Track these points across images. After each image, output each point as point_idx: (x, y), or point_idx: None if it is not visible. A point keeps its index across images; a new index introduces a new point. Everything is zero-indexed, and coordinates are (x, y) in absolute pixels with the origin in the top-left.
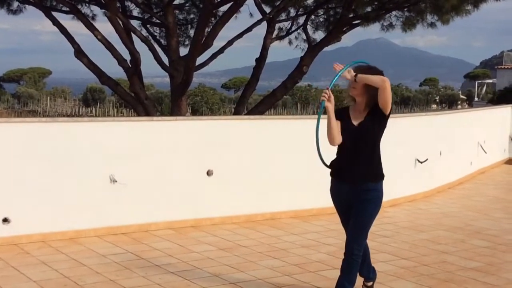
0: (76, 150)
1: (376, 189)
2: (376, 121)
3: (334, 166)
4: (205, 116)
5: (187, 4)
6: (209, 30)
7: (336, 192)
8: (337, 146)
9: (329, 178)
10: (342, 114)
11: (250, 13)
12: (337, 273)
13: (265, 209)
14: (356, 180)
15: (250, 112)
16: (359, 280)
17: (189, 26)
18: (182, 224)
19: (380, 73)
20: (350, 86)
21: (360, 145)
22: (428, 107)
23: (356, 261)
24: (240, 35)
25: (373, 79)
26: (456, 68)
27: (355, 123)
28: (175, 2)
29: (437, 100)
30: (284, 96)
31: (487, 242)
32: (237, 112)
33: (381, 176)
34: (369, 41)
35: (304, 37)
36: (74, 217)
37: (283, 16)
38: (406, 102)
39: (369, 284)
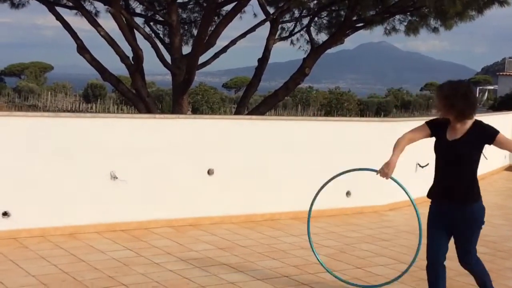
0: (77, 145)
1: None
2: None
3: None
4: (207, 115)
5: (190, 3)
6: (212, 29)
7: None
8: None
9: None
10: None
11: (254, 14)
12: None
13: (264, 209)
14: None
15: (251, 113)
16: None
17: (192, 24)
18: (181, 223)
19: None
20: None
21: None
22: (428, 112)
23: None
24: (243, 35)
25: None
26: (458, 73)
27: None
28: (178, 1)
29: None
30: (285, 98)
31: (486, 248)
32: (238, 112)
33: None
34: (371, 45)
35: (307, 39)
36: (74, 213)
37: (286, 17)
38: (407, 107)
39: None
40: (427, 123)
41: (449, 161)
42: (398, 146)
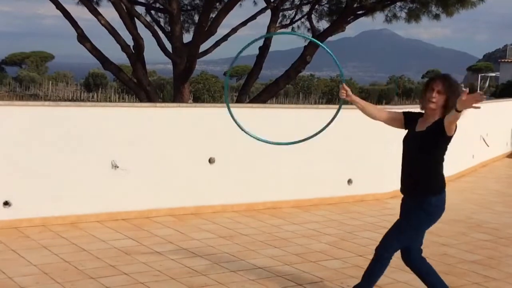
0: (78, 134)
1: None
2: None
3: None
4: (208, 104)
5: None
6: (213, 17)
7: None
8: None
9: (331, 167)
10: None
11: (254, 1)
12: (337, 263)
13: (266, 198)
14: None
15: (253, 101)
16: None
17: (193, 12)
18: (183, 211)
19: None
20: (429, 99)
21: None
22: None
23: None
24: (244, 23)
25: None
26: (459, 60)
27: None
28: None
29: None
30: (286, 86)
31: (488, 235)
32: (239, 101)
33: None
34: (373, 32)
35: (308, 26)
36: (75, 202)
37: (287, 4)
38: (408, 94)
39: None
40: (404, 113)
41: (411, 151)
42: (372, 105)
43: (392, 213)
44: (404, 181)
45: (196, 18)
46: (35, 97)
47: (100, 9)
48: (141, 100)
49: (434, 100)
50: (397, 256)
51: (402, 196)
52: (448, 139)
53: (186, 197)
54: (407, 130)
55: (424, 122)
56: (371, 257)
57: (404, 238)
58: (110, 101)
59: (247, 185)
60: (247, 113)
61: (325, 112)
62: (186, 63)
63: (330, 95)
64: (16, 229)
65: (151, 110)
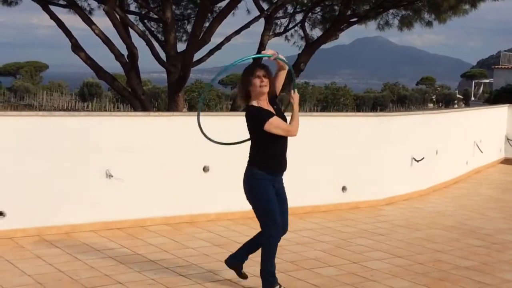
0: (72, 144)
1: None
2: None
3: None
4: (202, 112)
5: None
6: (206, 25)
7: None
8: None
9: (325, 175)
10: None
11: (248, 10)
12: (332, 271)
13: None
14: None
15: None
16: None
17: (187, 21)
18: (177, 220)
19: None
20: (261, 85)
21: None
22: (424, 106)
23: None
24: (237, 32)
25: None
26: (453, 67)
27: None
28: None
29: (434, 99)
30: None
31: (482, 241)
32: (234, 109)
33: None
34: (367, 39)
35: (302, 34)
36: (70, 212)
37: (280, 13)
38: (403, 101)
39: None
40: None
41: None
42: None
43: (387, 219)
44: (283, 162)
45: (190, 27)
46: (29, 107)
47: (94, 19)
48: (135, 109)
49: (265, 84)
50: (395, 264)
51: (272, 177)
52: None
53: (180, 205)
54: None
55: (269, 107)
56: (366, 264)
57: None
58: (105, 110)
59: (241, 193)
60: (242, 121)
61: (319, 120)
62: (180, 72)
63: (324, 102)
64: (10, 240)
65: (146, 119)
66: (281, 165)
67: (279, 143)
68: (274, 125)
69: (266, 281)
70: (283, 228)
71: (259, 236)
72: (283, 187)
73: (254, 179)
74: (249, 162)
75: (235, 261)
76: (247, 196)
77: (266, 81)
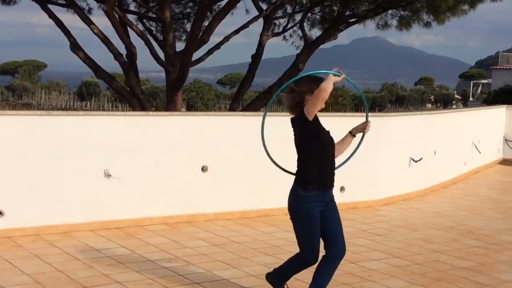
0: (71, 144)
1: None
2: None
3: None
4: (201, 112)
5: None
6: (205, 25)
7: None
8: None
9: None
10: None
11: (247, 10)
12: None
13: (259, 205)
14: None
15: (246, 109)
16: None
17: (186, 20)
18: (176, 220)
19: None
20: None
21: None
22: (423, 106)
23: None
24: (236, 31)
25: None
26: (452, 68)
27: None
28: None
29: (432, 100)
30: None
31: (480, 241)
32: (232, 108)
33: (297, 181)
34: (365, 39)
35: (301, 34)
36: (68, 211)
37: (279, 13)
38: (401, 101)
39: None
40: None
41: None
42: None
43: (385, 219)
44: (330, 176)
45: (188, 26)
46: (28, 106)
47: (93, 18)
48: (134, 109)
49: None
50: (393, 264)
51: (322, 191)
52: None
53: (179, 205)
54: (316, 129)
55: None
56: (364, 264)
57: None
58: (103, 109)
59: (240, 193)
60: (240, 121)
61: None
62: (179, 71)
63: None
64: (9, 239)
65: (144, 118)
66: (331, 178)
67: (326, 151)
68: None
69: (273, 279)
70: (340, 253)
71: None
72: (334, 204)
73: (299, 199)
74: (295, 179)
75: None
76: (290, 216)
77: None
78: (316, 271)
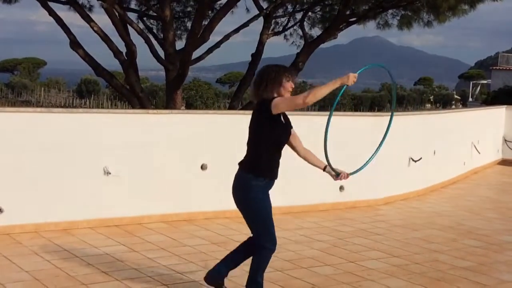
0: (70, 141)
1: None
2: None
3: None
4: (200, 110)
5: None
6: (205, 23)
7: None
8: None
9: (323, 174)
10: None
11: (247, 8)
12: (329, 270)
13: None
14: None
15: (245, 108)
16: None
17: (186, 19)
18: (175, 218)
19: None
20: (291, 88)
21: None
22: (422, 107)
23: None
24: (236, 30)
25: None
26: (451, 68)
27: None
28: None
29: (431, 100)
30: None
31: (479, 242)
32: (232, 107)
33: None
34: (365, 39)
35: (301, 33)
36: (67, 208)
37: (280, 12)
38: (400, 101)
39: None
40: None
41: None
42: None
43: (384, 219)
44: (277, 168)
45: (189, 25)
46: (27, 104)
47: (93, 16)
48: (133, 107)
49: (292, 91)
50: (392, 263)
51: (267, 181)
52: None
53: (178, 203)
54: (276, 124)
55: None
56: (363, 263)
57: None
58: (103, 107)
59: None
60: (240, 119)
61: (316, 119)
62: (179, 70)
63: (322, 101)
64: (8, 235)
65: (144, 116)
66: (277, 169)
67: (278, 147)
68: (279, 100)
69: (252, 286)
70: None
71: (246, 246)
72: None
73: (252, 188)
74: (244, 166)
75: (216, 274)
76: (238, 203)
77: (292, 88)
78: (233, 254)
